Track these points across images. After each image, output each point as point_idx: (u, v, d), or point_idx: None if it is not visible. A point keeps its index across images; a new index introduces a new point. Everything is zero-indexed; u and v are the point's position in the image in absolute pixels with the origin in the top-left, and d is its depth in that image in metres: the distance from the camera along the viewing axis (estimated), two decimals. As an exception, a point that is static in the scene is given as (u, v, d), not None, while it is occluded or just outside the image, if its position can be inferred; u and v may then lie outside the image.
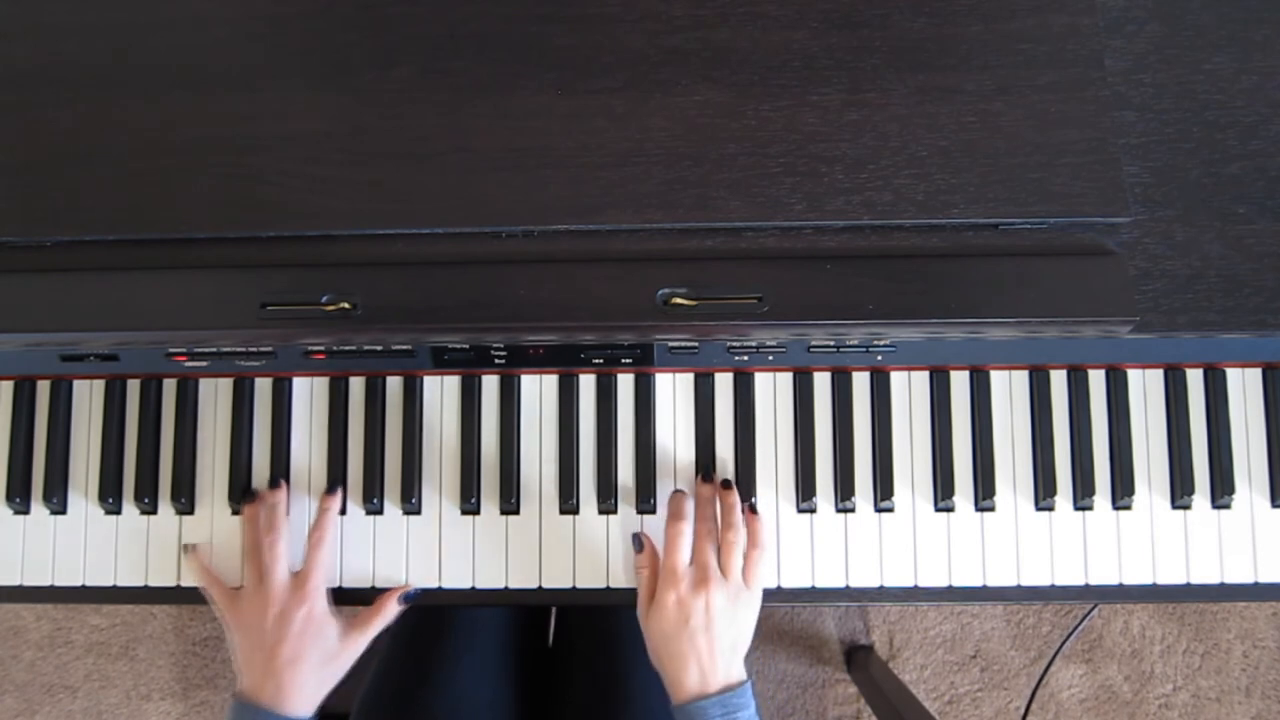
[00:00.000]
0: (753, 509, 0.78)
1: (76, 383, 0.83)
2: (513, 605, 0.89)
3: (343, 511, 0.81)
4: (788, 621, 1.52)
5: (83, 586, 0.81)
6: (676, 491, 0.79)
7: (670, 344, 0.78)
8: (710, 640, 0.70)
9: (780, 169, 0.72)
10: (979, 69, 0.73)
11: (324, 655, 0.73)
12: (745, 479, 0.80)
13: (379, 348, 0.78)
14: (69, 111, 0.74)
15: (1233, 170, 0.75)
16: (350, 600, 0.80)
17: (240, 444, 0.81)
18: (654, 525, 0.80)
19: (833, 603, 1.00)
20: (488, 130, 0.73)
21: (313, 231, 0.72)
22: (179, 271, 0.72)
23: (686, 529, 0.75)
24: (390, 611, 0.78)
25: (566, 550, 0.80)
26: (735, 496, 0.77)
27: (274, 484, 0.80)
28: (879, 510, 0.80)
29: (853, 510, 0.80)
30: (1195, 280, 0.73)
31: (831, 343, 0.78)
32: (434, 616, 0.92)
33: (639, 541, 0.77)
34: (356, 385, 0.82)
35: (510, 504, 0.80)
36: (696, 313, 0.70)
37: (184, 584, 0.81)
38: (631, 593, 0.77)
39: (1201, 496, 0.79)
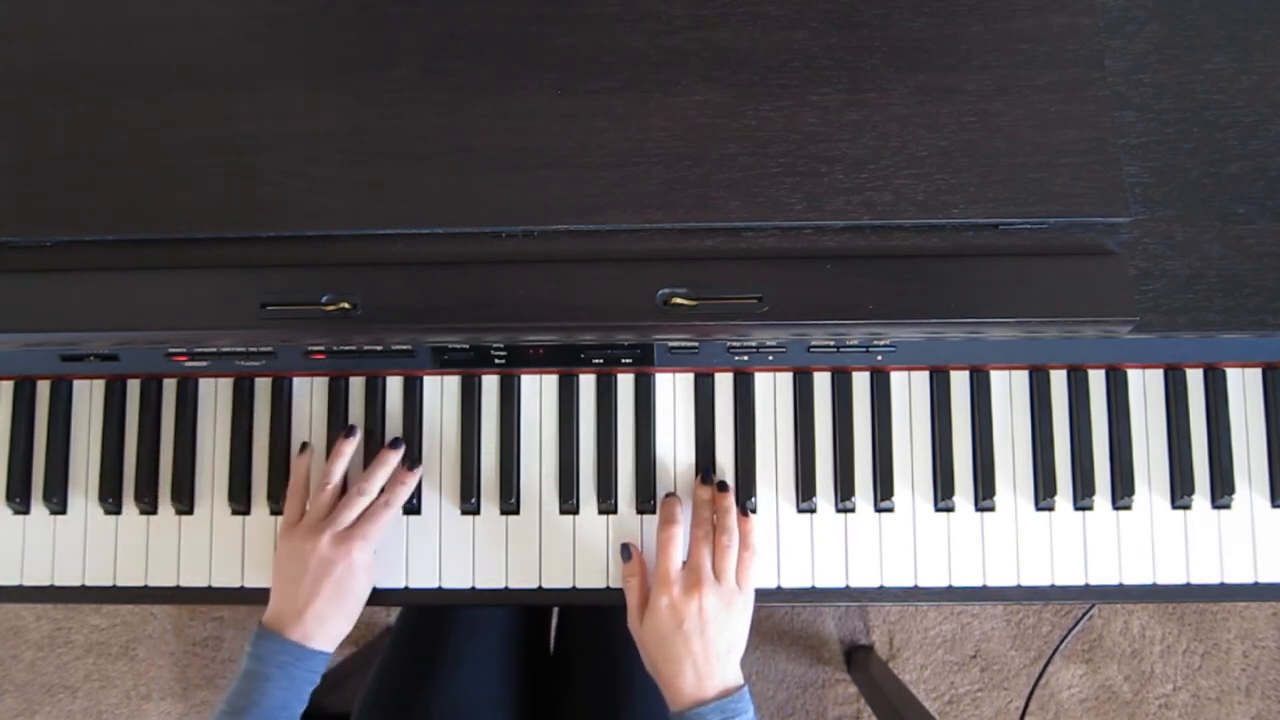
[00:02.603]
0: (744, 511, 0.78)
1: (76, 383, 0.83)
2: (513, 605, 0.89)
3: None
4: (788, 621, 1.52)
5: (83, 586, 0.81)
6: (668, 496, 0.79)
7: (670, 344, 0.78)
8: (705, 644, 0.69)
9: (780, 169, 0.72)
10: (979, 69, 0.73)
11: (353, 603, 0.74)
12: (745, 479, 0.80)
13: (379, 348, 0.78)
14: (69, 111, 0.74)
15: (1233, 170, 0.75)
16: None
17: (240, 444, 0.81)
18: (654, 525, 0.80)
19: (833, 603, 1.00)
20: (488, 130, 0.73)
21: (313, 231, 0.72)
22: (179, 271, 0.72)
23: (678, 533, 0.75)
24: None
25: (566, 550, 0.80)
26: (731, 500, 0.77)
27: (395, 444, 0.80)
28: (879, 510, 0.80)
29: (853, 510, 0.80)
30: (1195, 280, 0.73)
31: (831, 343, 0.78)
32: (434, 616, 0.92)
33: (627, 551, 0.77)
34: (356, 385, 0.82)
35: (510, 504, 0.80)
36: (696, 313, 0.70)
37: (183, 584, 0.80)
38: (631, 593, 0.76)
39: (1201, 496, 0.79)
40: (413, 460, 0.80)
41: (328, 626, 0.72)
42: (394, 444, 0.79)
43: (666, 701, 0.70)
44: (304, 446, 0.80)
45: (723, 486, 0.78)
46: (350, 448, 0.79)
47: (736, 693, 0.69)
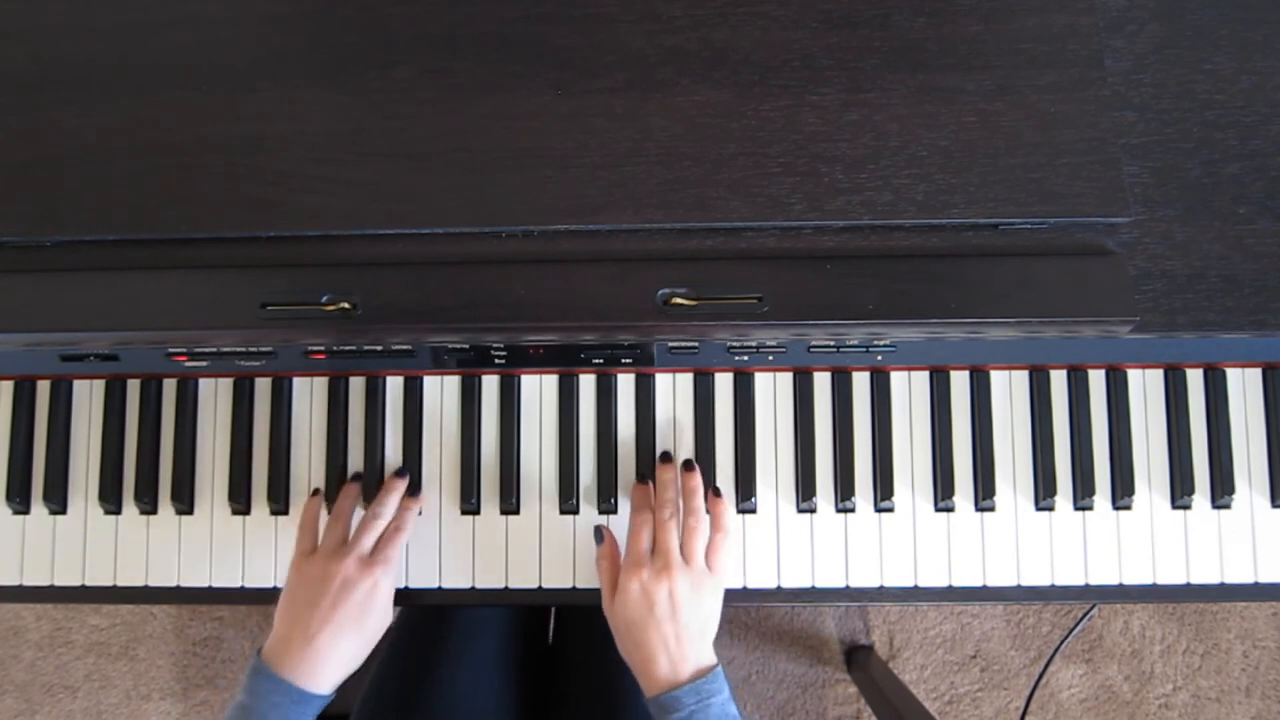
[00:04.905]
0: (716, 492, 0.77)
1: (76, 383, 0.83)
2: (513, 605, 0.89)
3: (343, 511, 0.81)
4: (788, 621, 1.52)
5: (83, 586, 0.81)
6: (639, 482, 0.79)
7: (670, 344, 0.78)
8: (677, 628, 0.69)
9: (780, 169, 0.72)
10: (979, 69, 0.73)
11: (370, 632, 0.72)
12: (745, 479, 0.80)
13: (379, 348, 0.78)
14: (69, 111, 0.74)
15: (1233, 170, 0.75)
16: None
17: (240, 444, 0.81)
18: (654, 525, 0.80)
19: (833, 603, 1.00)
20: (488, 130, 0.73)
21: (313, 231, 0.72)
22: (179, 271, 0.72)
23: (649, 517, 0.75)
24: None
25: (566, 550, 0.80)
26: (698, 480, 0.76)
27: (400, 473, 0.80)
28: (879, 510, 0.80)
29: (853, 510, 0.80)
30: (1195, 280, 0.73)
31: (831, 343, 0.78)
32: (434, 616, 0.92)
33: (600, 534, 0.77)
34: (356, 385, 0.82)
35: (510, 504, 0.80)
36: (696, 313, 0.70)
37: (183, 584, 0.81)
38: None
39: (1201, 496, 0.80)
40: (413, 488, 0.80)
41: (337, 654, 0.70)
42: (400, 472, 0.80)
43: (641, 687, 0.70)
44: (316, 492, 0.80)
45: (688, 465, 0.77)
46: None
47: (710, 672, 0.68)
